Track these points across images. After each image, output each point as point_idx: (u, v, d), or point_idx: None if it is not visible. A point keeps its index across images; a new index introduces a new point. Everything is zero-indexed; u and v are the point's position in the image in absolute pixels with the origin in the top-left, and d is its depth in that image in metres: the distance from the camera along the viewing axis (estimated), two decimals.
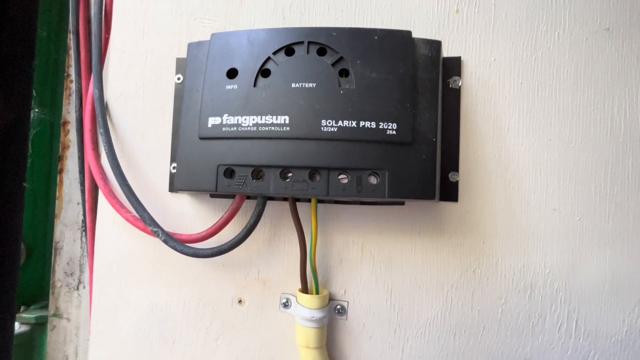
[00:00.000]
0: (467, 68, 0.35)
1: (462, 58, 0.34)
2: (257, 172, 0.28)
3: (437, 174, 0.28)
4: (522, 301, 0.33)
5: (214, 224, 0.33)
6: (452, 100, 0.34)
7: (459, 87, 0.34)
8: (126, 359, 0.36)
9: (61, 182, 0.47)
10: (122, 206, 0.35)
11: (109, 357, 0.37)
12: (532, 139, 0.34)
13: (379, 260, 0.34)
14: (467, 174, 0.34)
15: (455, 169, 0.34)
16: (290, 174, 0.28)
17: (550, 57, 0.34)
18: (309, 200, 0.32)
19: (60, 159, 0.47)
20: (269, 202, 0.35)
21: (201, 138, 0.29)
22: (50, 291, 0.46)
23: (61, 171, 0.47)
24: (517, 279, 0.33)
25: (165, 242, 0.32)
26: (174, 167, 0.36)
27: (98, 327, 0.37)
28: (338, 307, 0.34)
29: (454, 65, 0.34)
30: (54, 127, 0.49)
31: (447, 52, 0.35)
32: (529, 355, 0.33)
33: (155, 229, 0.32)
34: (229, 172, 0.28)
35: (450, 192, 0.34)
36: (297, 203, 0.33)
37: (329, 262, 0.35)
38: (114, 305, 0.37)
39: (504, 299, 0.33)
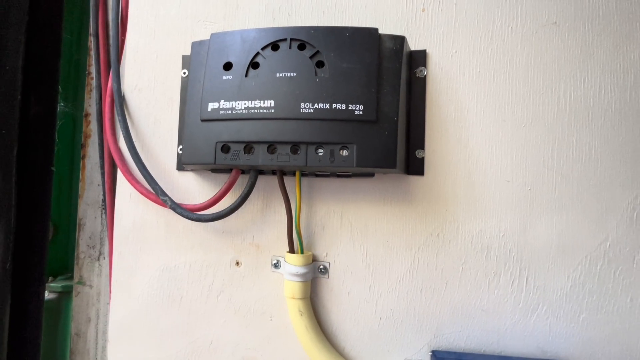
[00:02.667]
0: (432, 59, 0.40)
1: (427, 51, 0.40)
2: (248, 147, 0.34)
3: (398, 147, 0.33)
4: (480, 261, 0.38)
5: (214, 195, 0.38)
6: (418, 87, 0.39)
7: (425, 76, 0.39)
8: (141, 314, 0.42)
9: (84, 166, 0.53)
10: (137, 182, 0.41)
11: (126, 312, 0.43)
12: (488, 120, 0.39)
13: (356, 226, 0.40)
14: (431, 151, 0.39)
15: (422, 146, 0.39)
16: (275, 149, 0.33)
17: (504, 48, 0.39)
18: (294, 174, 0.37)
19: (82, 146, 0.54)
20: (261, 177, 0.40)
21: (202, 120, 0.35)
22: (75, 262, 0.53)
23: (83, 157, 0.54)
24: (475, 242, 0.38)
25: (173, 209, 0.38)
26: (180, 149, 0.42)
27: (117, 287, 0.43)
28: (321, 267, 0.40)
29: (420, 57, 0.39)
30: (76, 119, 0.55)
31: (414, 45, 0.40)
32: (486, 307, 0.38)
33: (164, 198, 0.38)
34: (225, 148, 0.34)
35: (417, 167, 0.39)
36: (284, 177, 0.38)
37: (313, 228, 0.40)
38: (131, 268, 0.43)
39: (464, 259, 0.38)
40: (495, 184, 0.38)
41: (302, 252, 0.38)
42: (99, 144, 0.51)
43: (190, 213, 0.37)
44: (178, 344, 0.42)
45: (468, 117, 0.39)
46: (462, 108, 0.39)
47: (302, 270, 0.37)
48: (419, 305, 0.39)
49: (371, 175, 0.38)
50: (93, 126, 0.53)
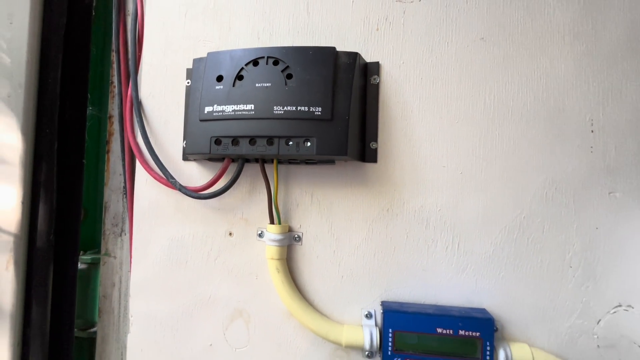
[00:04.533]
0: (384, 69, 0.49)
1: (380, 62, 0.49)
2: (235, 140, 0.44)
3: (351, 139, 0.42)
4: (421, 231, 0.47)
5: (211, 179, 0.49)
6: (373, 92, 0.48)
7: (378, 83, 0.49)
8: (155, 275, 0.53)
9: (108, 159, 0.65)
10: (152, 169, 0.52)
11: (144, 274, 0.53)
12: (428, 117, 0.48)
13: (323, 204, 0.49)
14: (383, 143, 0.48)
15: (375, 139, 0.48)
16: (255, 141, 0.43)
17: (442, 59, 0.48)
18: (272, 162, 0.47)
19: (107, 142, 0.65)
20: (247, 166, 0.50)
21: (200, 120, 0.45)
22: (102, 237, 0.64)
23: (108, 152, 0.65)
24: (417, 215, 0.47)
25: (179, 189, 0.48)
26: (185, 143, 0.52)
27: (137, 254, 0.54)
28: (295, 236, 0.50)
29: (374, 68, 0.48)
30: (102, 120, 0.66)
31: (369, 58, 0.49)
32: (425, 267, 0.47)
33: (173, 181, 0.48)
34: (218, 141, 0.44)
35: (371, 156, 0.48)
36: (265, 165, 0.48)
37: (289, 206, 0.50)
38: (147, 239, 0.54)
39: (409, 229, 0.47)
40: (433, 169, 0.47)
41: (279, 223, 0.48)
42: (120, 141, 0.62)
43: (192, 192, 0.48)
44: (184, 299, 0.52)
45: (412, 116, 0.48)
46: (408, 108, 0.48)
47: (279, 237, 0.47)
48: (373, 266, 0.48)
49: (332, 162, 0.47)
50: (115, 126, 0.64)
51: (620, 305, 0.44)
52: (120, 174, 0.64)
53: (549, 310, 0.45)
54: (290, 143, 0.43)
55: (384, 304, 0.46)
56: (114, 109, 0.65)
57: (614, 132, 0.45)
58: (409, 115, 0.48)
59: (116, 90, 0.60)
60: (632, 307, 0.43)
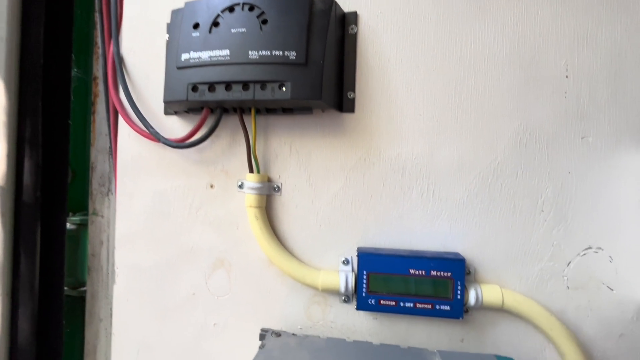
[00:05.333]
0: (362, 19, 0.49)
1: (358, 12, 0.49)
2: (211, 87, 0.44)
3: (325, 85, 0.43)
4: (397, 178, 0.48)
5: (190, 130, 0.49)
6: (350, 42, 0.49)
7: (355, 33, 0.49)
8: (139, 227, 0.54)
9: (94, 120, 0.65)
10: (133, 123, 0.53)
11: (128, 226, 0.55)
12: (405, 66, 0.48)
13: (302, 154, 0.50)
14: (361, 93, 0.49)
15: (353, 89, 0.49)
16: (231, 87, 0.44)
17: (418, 9, 0.48)
18: (250, 111, 0.48)
19: (92, 104, 0.65)
20: (227, 118, 0.51)
21: (178, 68, 0.45)
22: (89, 197, 0.65)
23: (93, 113, 0.65)
24: (394, 163, 0.48)
25: (158, 138, 0.49)
26: (163, 93, 0.53)
27: (121, 207, 0.55)
28: (275, 186, 0.50)
29: (352, 17, 0.49)
30: (87, 82, 0.67)
31: (347, 8, 0.49)
32: (401, 214, 0.48)
33: (152, 130, 0.49)
34: (194, 88, 0.45)
35: (348, 106, 0.49)
36: (244, 116, 0.49)
37: (268, 157, 0.51)
38: (130, 193, 0.55)
39: (385, 177, 0.48)
40: (410, 117, 0.48)
41: (258, 172, 0.49)
42: (105, 101, 0.62)
43: (172, 142, 0.49)
44: (167, 250, 0.54)
45: (390, 65, 0.48)
46: (385, 58, 0.48)
47: (257, 185, 0.48)
48: (350, 214, 0.49)
49: (309, 111, 0.48)
50: (100, 87, 0.65)
51: (590, 248, 0.45)
52: (105, 134, 0.65)
53: (521, 254, 0.46)
54: (266, 88, 0.43)
55: (359, 250, 0.47)
56: (98, 70, 0.66)
57: (587, 77, 0.45)
58: (386, 65, 0.49)
59: (100, 51, 0.60)
60: (602, 249, 0.44)
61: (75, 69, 0.65)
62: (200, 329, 0.52)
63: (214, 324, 0.52)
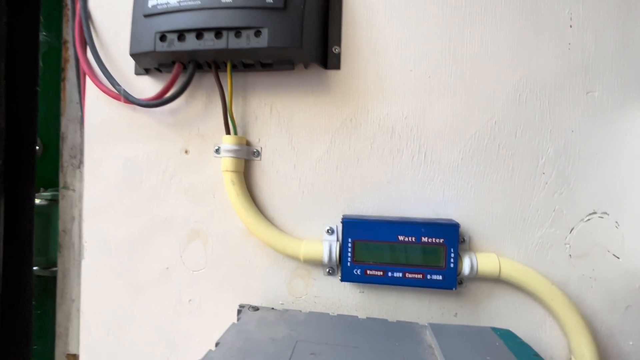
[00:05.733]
0: None
1: None
2: (181, 36, 0.40)
3: (304, 31, 0.39)
4: (386, 140, 0.44)
5: (161, 88, 0.45)
6: None
7: None
8: (109, 196, 0.50)
9: (64, 87, 0.61)
10: (101, 84, 0.49)
11: (97, 196, 0.51)
12: (395, 20, 0.44)
13: (283, 115, 0.46)
14: (347, 48, 0.45)
15: (338, 43, 0.45)
16: (202, 35, 0.40)
17: None
18: (226, 67, 0.44)
19: (62, 69, 0.61)
20: (203, 77, 0.47)
21: (145, 15, 0.41)
22: (60, 170, 0.61)
23: (64, 79, 0.61)
24: (382, 124, 0.44)
25: (126, 97, 0.45)
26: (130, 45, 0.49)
27: (89, 175, 0.51)
28: (254, 150, 0.47)
29: None
30: (57, 47, 0.63)
31: None
32: (390, 179, 0.44)
33: (119, 88, 0.45)
34: (163, 37, 0.41)
35: (334, 62, 0.45)
36: (219, 72, 0.45)
37: (247, 119, 0.47)
38: (99, 160, 0.51)
39: (373, 139, 0.44)
40: (400, 74, 0.44)
41: (235, 134, 0.45)
42: (75, 66, 0.58)
43: (140, 101, 0.45)
44: (139, 221, 0.50)
45: (378, 17, 0.44)
46: (373, 9, 0.45)
47: (234, 147, 0.44)
48: (335, 180, 0.45)
49: (291, 66, 0.44)
50: (71, 52, 0.61)
51: (594, 213, 0.41)
52: (77, 103, 0.60)
53: (520, 220, 0.42)
54: (241, 36, 0.39)
55: (343, 218, 0.43)
56: (68, 33, 0.61)
57: (593, 27, 0.41)
58: (374, 17, 0.45)
59: (70, 12, 0.56)
60: (607, 214, 0.41)
61: (44, 33, 0.61)
62: (174, 306, 0.49)
63: (189, 300, 0.48)
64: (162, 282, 0.49)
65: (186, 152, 0.49)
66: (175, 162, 0.49)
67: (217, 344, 0.34)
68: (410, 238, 0.40)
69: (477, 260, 0.40)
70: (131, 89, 0.49)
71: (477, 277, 0.41)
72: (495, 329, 0.37)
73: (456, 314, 0.43)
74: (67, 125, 0.60)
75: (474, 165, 0.43)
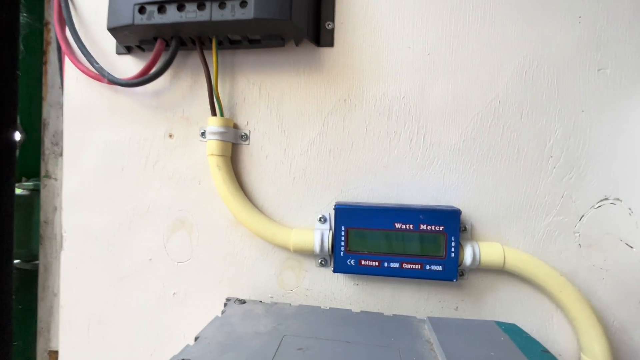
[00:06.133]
0: None
1: None
2: (161, 7, 0.37)
3: (293, 1, 0.36)
4: (382, 122, 0.41)
5: (143, 67, 0.43)
6: None
7: None
8: (89, 183, 0.47)
9: (45, 71, 0.58)
10: (81, 63, 0.46)
11: (77, 183, 0.48)
12: None
13: (272, 96, 0.43)
14: (341, 23, 0.42)
15: (332, 19, 0.42)
16: (184, 7, 0.37)
17: None
18: (212, 44, 0.41)
19: (44, 53, 0.58)
20: (189, 57, 0.44)
21: None
22: (41, 158, 0.58)
23: (45, 63, 0.58)
24: (378, 105, 0.41)
25: (102, 74, 0.42)
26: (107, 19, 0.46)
27: (68, 161, 0.48)
28: (242, 134, 0.44)
29: None
30: (39, 29, 0.60)
31: None
32: (387, 164, 0.41)
33: (97, 65, 0.42)
34: (142, 9, 0.38)
35: (327, 39, 0.42)
36: (205, 50, 0.42)
37: (235, 100, 0.44)
38: (79, 144, 0.48)
39: (368, 121, 0.42)
40: (397, 51, 0.41)
41: (222, 115, 0.42)
42: (57, 49, 0.55)
43: (120, 80, 0.42)
44: (121, 209, 0.47)
45: None
46: None
47: (220, 129, 0.41)
48: (328, 165, 0.42)
49: (280, 42, 0.41)
50: (52, 34, 0.58)
51: (606, 199, 0.38)
52: (59, 87, 0.58)
53: (525, 207, 0.39)
54: (225, 7, 0.36)
55: (336, 205, 0.40)
56: (50, 14, 0.58)
57: None
58: None
59: None
60: (620, 200, 0.38)
61: (24, 14, 0.58)
62: (158, 299, 0.46)
63: (174, 293, 0.46)
64: (145, 274, 0.46)
65: (170, 136, 0.46)
66: (159, 147, 0.46)
67: (196, 338, 0.31)
68: (407, 225, 0.37)
69: (480, 250, 0.37)
70: (113, 69, 0.46)
71: (479, 268, 0.38)
72: (499, 323, 0.34)
73: (457, 307, 0.40)
74: (49, 111, 0.57)
75: (477, 148, 0.40)
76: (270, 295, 0.44)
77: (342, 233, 0.38)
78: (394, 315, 0.38)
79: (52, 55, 0.58)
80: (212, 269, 0.45)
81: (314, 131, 0.43)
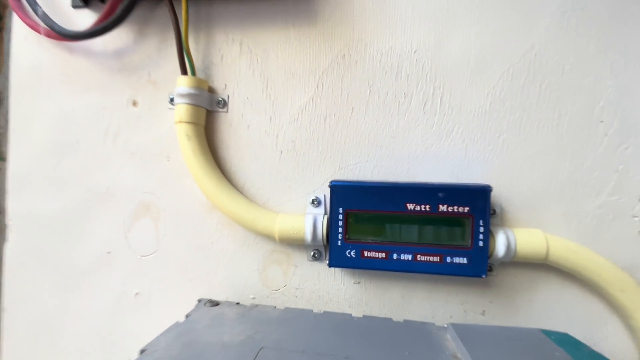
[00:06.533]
0: None
1: None
2: None
3: None
4: (390, 82, 0.34)
5: (99, 17, 0.35)
6: None
7: None
8: (39, 162, 0.40)
9: (1, 39, 0.51)
10: (30, 18, 0.39)
11: (25, 162, 0.40)
12: None
13: (256, 54, 0.36)
14: None
15: None
16: None
17: None
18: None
19: (1, 18, 0.51)
20: (157, 9, 0.37)
21: None
22: None
23: (1, 29, 0.51)
24: (384, 61, 0.34)
25: (55, 29, 0.35)
26: None
27: (15, 136, 0.41)
28: (219, 99, 0.36)
29: None
30: None
31: None
32: (396, 134, 0.34)
33: (41, 13, 0.35)
34: None
35: None
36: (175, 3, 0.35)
37: (210, 59, 0.37)
38: (27, 116, 0.40)
39: (372, 81, 0.34)
40: None
41: (193, 74, 0.35)
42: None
43: (69, 31, 0.34)
44: (75, 192, 0.39)
45: None
46: None
47: (191, 91, 0.34)
48: (323, 135, 0.35)
49: None
50: None
51: None
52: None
53: (570, 185, 0.31)
54: None
55: (332, 183, 0.33)
56: None
57: None
58: None
59: None
60: None
61: None
62: (117, 301, 0.38)
63: (136, 293, 0.38)
64: (102, 270, 0.39)
65: (134, 104, 0.38)
66: (121, 117, 0.38)
67: (142, 351, 0.23)
68: (423, 207, 0.30)
69: (516, 238, 0.30)
70: (68, 24, 0.39)
71: (513, 261, 0.31)
72: (547, 333, 0.26)
73: (484, 311, 0.32)
74: (4, 83, 0.50)
75: (507, 112, 0.32)
76: (252, 296, 0.36)
77: (340, 217, 0.31)
78: (406, 321, 0.30)
79: (9, 22, 0.51)
80: (182, 263, 0.37)
81: (305, 95, 0.35)
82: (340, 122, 0.34)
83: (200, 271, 0.37)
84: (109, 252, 0.38)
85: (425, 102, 0.33)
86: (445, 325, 0.28)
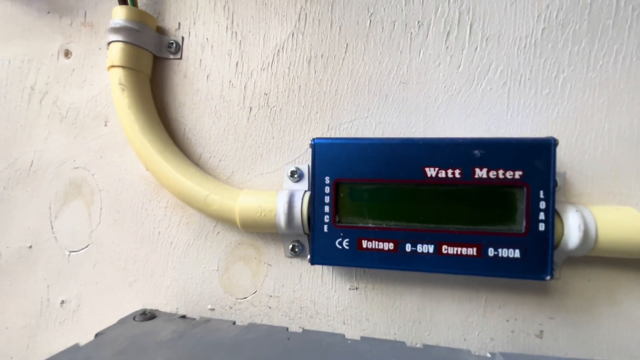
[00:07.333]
0: None
1: None
2: None
3: None
4: (398, 7, 0.24)
5: None
6: None
7: None
8: None
9: None
10: None
11: None
12: None
13: None
14: None
15: None
16: None
17: None
18: None
19: None
20: None
21: None
22: None
23: None
24: None
25: None
26: None
27: None
28: (170, 42, 0.27)
29: None
30: None
31: None
32: (407, 78, 0.24)
33: None
34: None
35: None
36: None
37: None
38: None
39: (373, 7, 0.25)
40: None
41: (133, 5, 0.26)
42: None
43: None
44: None
45: None
46: None
47: (128, 24, 0.25)
48: (307, 84, 0.26)
49: None
50: None
51: None
52: None
53: None
54: None
55: (314, 141, 0.23)
56: None
57: None
58: None
59: None
60: None
61: None
62: (39, 310, 0.29)
63: (62, 301, 0.29)
64: (21, 270, 0.30)
65: (66, 54, 0.30)
66: (49, 72, 0.30)
67: None
68: (450, 172, 0.20)
69: (596, 220, 0.20)
70: None
71: (589, 256, 0.21)
72: None
73: (541, 332, 0.22)
74: None
75: (569, 41, 0.23)
76: (210, 307, 0.26)
77: (327, 190, 0.21)
78: (426, 346, 0.20)
79: None
80: (120, 261, 0.28)
81: (283, 31, 0.26)
82: (330, 65, 0.25)
83: (144, 271, 0.27)
84: (30, 247, 0.29)
85: (449, 33, 0.24)
86: (489, 355, 0.18)
